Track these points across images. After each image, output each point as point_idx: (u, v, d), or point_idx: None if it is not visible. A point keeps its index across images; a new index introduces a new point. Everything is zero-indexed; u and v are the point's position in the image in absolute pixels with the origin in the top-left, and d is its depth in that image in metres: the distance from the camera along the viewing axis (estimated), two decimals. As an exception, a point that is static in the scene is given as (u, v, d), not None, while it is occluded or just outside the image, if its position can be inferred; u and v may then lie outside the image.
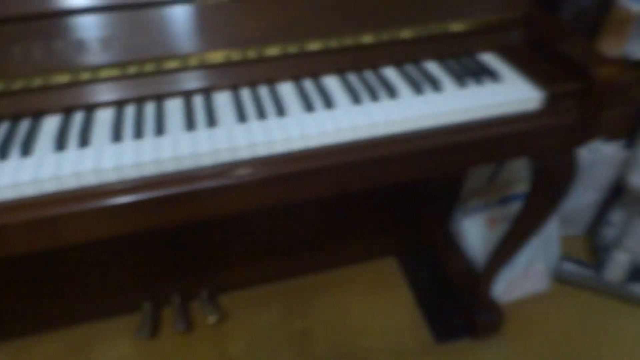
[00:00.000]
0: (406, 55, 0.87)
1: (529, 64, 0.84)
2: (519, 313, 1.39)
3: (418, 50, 0.87)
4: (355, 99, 0.77)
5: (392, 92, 0.78)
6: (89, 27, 0.76)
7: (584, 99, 0.78)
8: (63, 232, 0.68)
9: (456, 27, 0.87)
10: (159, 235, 1.26)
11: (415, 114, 0.74)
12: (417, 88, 0.79)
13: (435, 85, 0.79)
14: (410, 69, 0.85)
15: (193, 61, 0.79)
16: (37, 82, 0.74)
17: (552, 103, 0.78)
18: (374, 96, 0.77)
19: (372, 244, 1.52)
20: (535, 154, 0.87)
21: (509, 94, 0.78)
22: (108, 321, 1.38)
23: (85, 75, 0.75)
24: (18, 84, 0.74)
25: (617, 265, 1.37)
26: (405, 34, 0.86)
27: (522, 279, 1.39)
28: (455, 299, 1.39)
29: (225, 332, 1.36)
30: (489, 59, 0.87)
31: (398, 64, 0.86)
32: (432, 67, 0.86)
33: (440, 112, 0.75)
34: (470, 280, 1.35)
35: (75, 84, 0.76)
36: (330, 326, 1.38)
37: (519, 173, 1.39)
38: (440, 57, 0.87)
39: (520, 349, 1.32)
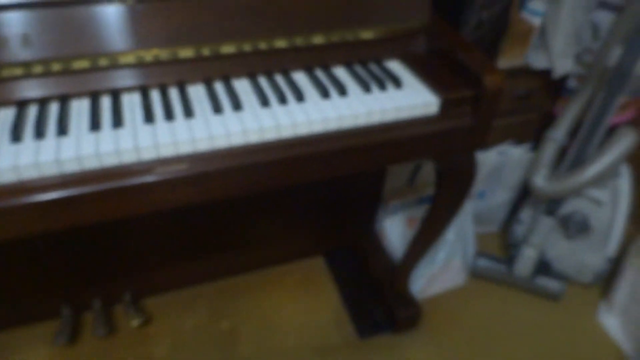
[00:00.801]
0: (317, 61, 0.90)
1: (430, 71, 0.89)
2: (438, 308, 1.47)
3: (329, 56, 0.91)
4: (264, 101, 0.79)
5: (299, 95, 0.81)
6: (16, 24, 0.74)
7: (478, 104, 0.84)
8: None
9: (365, 34, 0.92)
10: (78, 238, 1.23)
11: (321, 116, 0.78)
12: (324, 92, 0.82)
13: (342, 90, 0.83)
14: (320, 74, 0.88)
15: (103, 61, 0.79)
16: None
17: (448, 108, 0.84)
18: (282, 99, 0.80)
19: (299, 243, 1.54)
20: (436, 155, 0.93)
21: (409, 99, 0.83)
22: (25, 328, 1.33)
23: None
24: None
25: (526, 260, 1.47)
26: (318, 39, 0.89)
27: (440, 275, 1.47)
28: (378, 295, 1.45)
29: (149, 335, 1.35)
30: (394, 65, 0.92)
31: (308, 68, 0.89)
32: (341, 72, 0.90)
33: (344, 115, 0.79)
34: (391, 277, 1.40)
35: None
36: (256, 326, 1.40)
37: (436, 174, 1.47)
38: (349, 63, 0.91)
39: (439, 341, 1.39)
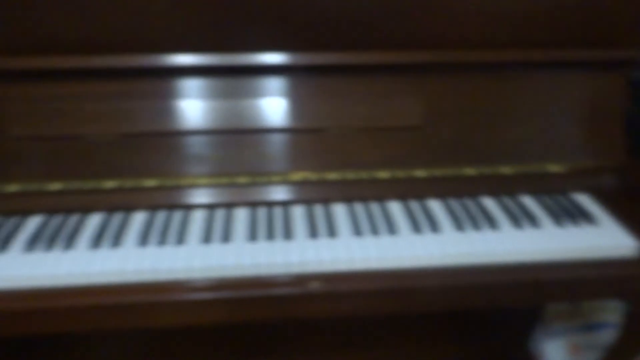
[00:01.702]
0: (504, 189, 0.96)
1: (623, 210, 0.90)
2: None
3: (515, 185, 0.97)
4: (459, 226, 0.87)
5: (492, 223, 0.87)
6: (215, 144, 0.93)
7: (678, 251, 0.83)
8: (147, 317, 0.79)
9: (553, 168, 0.97)
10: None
11: (517, 248, 0.82)
12: (516, 222, 0.87)
13: (534, 221, 0.87)
14: (508, 202, 0.94)
15: (313, 177, 0.94)
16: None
17: (646, 252, 0.84)
18: (476, 225, 0.87)
19: (442, 349, 1.52)
20: (627, 298, 0.91)
21: (605, 239, 0.84)
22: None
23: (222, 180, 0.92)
24: (151, 182, 0.91)
25: None
26: (505, 170, 0.96)
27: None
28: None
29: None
30: (584, 200, 0.95)
31: (496, 195, 0.96)
32: (529, 202, 0.94)
33: (540, 249, 0.83)
34: (547, 405, 1.32)
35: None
36: None
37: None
38: (535, 193, 0.96)
39: None
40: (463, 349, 1.53)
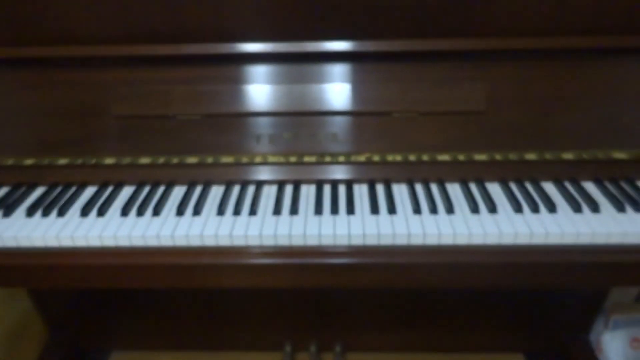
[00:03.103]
0: (566, 174, 0.97)
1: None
2: None
3: (578, 171, 0.97)
4: (517, 208, 0.89)
5: (552, 206, 0.89)
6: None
7: None
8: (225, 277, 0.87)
9: (619, 155, 0.96)
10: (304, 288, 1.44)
11: (574, 230, 0.84)
12: (576, 206, 0.89)
13: (595, 206, 0.88)
14: (569, 187, 0.95)
15: (376, 157, 0.99)
16: (209, 159, 1.01)
17: None
18: (535, 207, 0.89)
19: (499, 336, 1.53)
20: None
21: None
22: (252, 353, 1.58)
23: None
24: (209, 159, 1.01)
25: None
26: (568, 156, 0.97)
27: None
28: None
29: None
30: (652, 188, 0.94)
31: (558, 180, 0.97)
32: (591, 188, 0.95)
33: (599, 233, 0.83)
34: (605, 396, 1.31)
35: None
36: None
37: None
38: (598, 180, 0.97)
39: None
40: (523, 338, 1.54)
